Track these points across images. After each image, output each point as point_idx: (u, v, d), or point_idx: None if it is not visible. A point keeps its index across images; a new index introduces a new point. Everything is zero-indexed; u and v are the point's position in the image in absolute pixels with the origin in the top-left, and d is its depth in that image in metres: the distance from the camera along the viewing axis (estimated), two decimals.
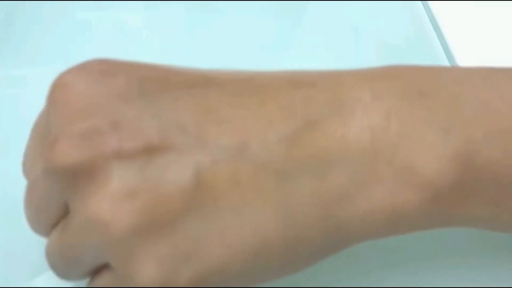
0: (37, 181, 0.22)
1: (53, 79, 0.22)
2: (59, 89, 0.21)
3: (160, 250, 0.19)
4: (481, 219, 0.22)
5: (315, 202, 0.21)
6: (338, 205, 0.21)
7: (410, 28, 0.35)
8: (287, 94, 0.22)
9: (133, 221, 0.19)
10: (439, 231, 0.24)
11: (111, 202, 0.19)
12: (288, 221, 0.20)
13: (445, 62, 0.35)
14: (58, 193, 0.21)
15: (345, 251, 0.22)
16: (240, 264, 0.20)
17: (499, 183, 0.21)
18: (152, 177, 0.20)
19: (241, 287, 0.21)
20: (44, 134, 0.22)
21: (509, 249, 0.27)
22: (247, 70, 0.23)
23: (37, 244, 0.27)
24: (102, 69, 0.21)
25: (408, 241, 0.27)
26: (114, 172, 0.19)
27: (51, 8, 0.35)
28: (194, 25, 0.36)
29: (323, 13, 0.36)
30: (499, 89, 0.22)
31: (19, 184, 0.29)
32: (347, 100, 0.21)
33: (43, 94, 0.22)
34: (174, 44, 0.36)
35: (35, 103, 0.24)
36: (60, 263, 0.22)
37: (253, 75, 0.23)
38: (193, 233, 0.20)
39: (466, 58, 0.34)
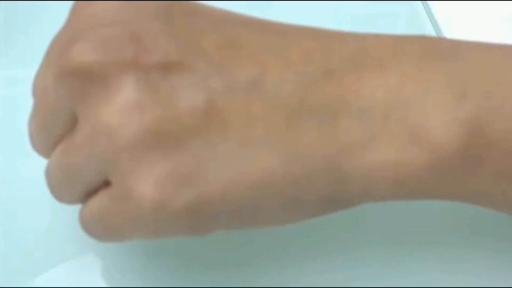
0: (47, 90, 0.21)
1: None
2: (84, 2, 0.22)
3: (162, 168, 0.20)
4: (488, 193, 0.22)
5: (322, 148, 0.21)
6: (344, 156, 0.21)
7: (410, 28, 0.35)
8: (309, 42, 0.22)
9: (140, 131, 0.19)
10: (440, 229, 0.24)
11: (121, 110, 0.20)
12: (293, 160, 0.20)
13: None
14: (68, 100, 0.21)
15: (344, 250, 0.22)
16: (240, 194, 0.20)
17: (510, 156, 0.21)
18: (165, 93, 0.20)
19: (238, 226, 0.21)
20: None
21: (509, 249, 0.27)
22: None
23: (37, 244, 0.27)
24: None
25: (410, 241, 0.27)
26: (128, 82, 0.20)
27: (51, 8, 0.35)
28: None
29: (321, 13, 0.36)
30: None
31: (19, 184, 0.29)
32: (367, 57, 0.22)
33: None
34: None
35: None
36: (58, 180, 0.22)
37: (278, 22, 0.23)
38: (197, 157, 0.20)
39: None
